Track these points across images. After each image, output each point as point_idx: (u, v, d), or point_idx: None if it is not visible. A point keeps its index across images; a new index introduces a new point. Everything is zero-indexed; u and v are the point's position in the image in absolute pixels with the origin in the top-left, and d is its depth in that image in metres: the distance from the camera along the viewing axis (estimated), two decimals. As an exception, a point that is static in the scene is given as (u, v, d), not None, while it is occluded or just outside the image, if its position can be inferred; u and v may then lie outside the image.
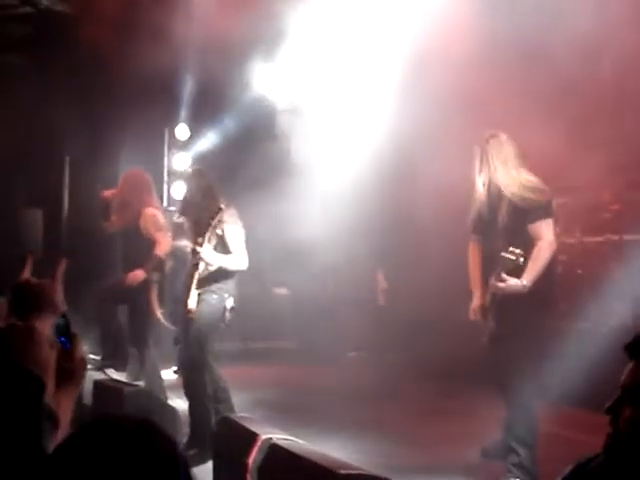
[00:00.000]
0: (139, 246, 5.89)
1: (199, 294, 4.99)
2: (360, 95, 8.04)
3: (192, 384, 4.99)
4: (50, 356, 2.03)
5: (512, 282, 4.00)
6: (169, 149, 10.25)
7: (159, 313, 5.85)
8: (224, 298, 5.06)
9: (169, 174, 10.21)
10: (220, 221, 4.96)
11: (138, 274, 5.75)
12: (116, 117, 8.95)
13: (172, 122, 10.06)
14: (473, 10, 7.02)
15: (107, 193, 6.20)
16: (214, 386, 5.03)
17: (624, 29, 6.28)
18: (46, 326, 2.10)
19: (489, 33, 6.83)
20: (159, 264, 5.91)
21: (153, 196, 6.11)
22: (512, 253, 3.99)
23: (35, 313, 2.12)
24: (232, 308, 5.07)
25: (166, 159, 10.26)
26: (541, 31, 6.93)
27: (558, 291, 4.34)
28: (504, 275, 4.00)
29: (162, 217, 6.01)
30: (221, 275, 5.07)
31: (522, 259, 3.95)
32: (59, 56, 8.79)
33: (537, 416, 4.10)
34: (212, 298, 5.03)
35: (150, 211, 5.91)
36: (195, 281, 4.98)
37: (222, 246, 5.04)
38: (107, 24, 7.45)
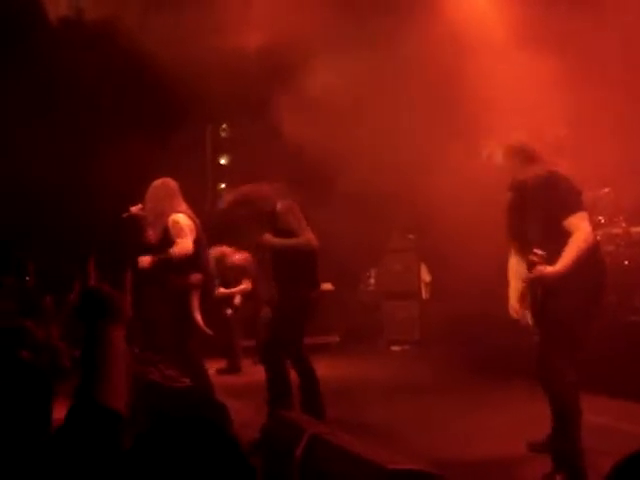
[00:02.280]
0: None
1: None
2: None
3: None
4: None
5: (540, 269, 3.89)
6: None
7: (199, 318, 5.86)
8: None
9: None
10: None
11: (145, 259, 5.76)
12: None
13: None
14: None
15: (134, 209, 6.10)
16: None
17: None
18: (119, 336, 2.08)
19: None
20: (200, 267, 5.91)
21: (180, 201, 6.00)
22: (535, 255, 3.95)
23: (106, 321, 2.09)
24: None
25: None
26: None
27: (605, 283, 4.23)
28: (536, 267, 3.92)
29: (186, 220, 5.89)
30: None
31: (543, 257, 3.90)
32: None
33: (580, 408, 4.06)
34: None
35: (172, 218, 5.84)
36: None
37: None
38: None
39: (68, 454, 1.74)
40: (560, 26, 7.18)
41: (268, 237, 5.26)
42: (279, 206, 5.34)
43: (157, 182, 6.01)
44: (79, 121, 8.66)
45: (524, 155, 4.21)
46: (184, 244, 5.75)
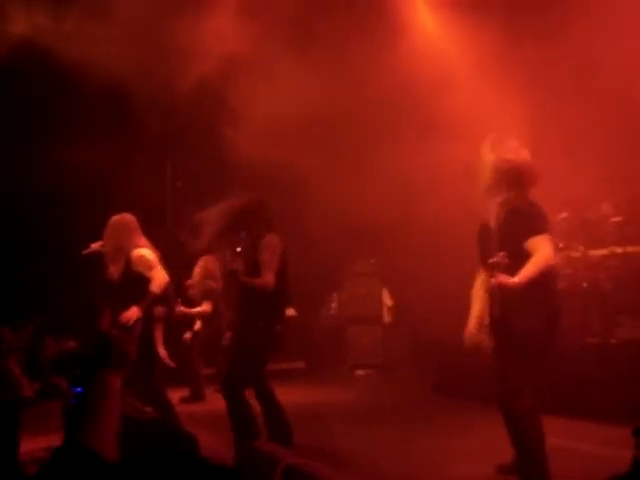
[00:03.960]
0: (140, 288, 5.76)
1: None
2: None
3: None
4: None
5: (502, 277, 3.90)
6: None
7: (161, 350, 5.82)
8: None
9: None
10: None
11: (132, 311, 5.64)
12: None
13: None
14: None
15: (95, 245, 6.05)
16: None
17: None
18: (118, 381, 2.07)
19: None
20: (163, 300, 5.88)
21: (140, 236, 5.96)
22: (496, 256, 4.00)
23: (108, 369, 2.07)
24: None
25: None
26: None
27: (561, 306, 4.30)
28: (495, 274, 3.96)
29: (150, 253, 5.88)
30: None
31: (506, 259, 3.93)
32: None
33: (542, 430, 4.10)
34: None
35: (135, 253, 5.82)
36: None
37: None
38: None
39: None
40: (518, 52, 7.38)
41: (239, 266, 5.24)
42: (265, 238, 5.33)
43: (115, 218, 5.95)
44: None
45: (511, 178, 4.22)
46: (159, 276, 5.74)
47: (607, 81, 7.05)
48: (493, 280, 3.95)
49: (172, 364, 5.97)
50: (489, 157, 4.28)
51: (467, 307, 4.88)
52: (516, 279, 3.92)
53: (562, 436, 5.00)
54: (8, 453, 2.53)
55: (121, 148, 9.22)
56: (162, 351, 5.81)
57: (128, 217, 5.98)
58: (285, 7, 7.74)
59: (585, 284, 6.94)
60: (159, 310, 5.82)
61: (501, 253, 3.93)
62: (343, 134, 8.75)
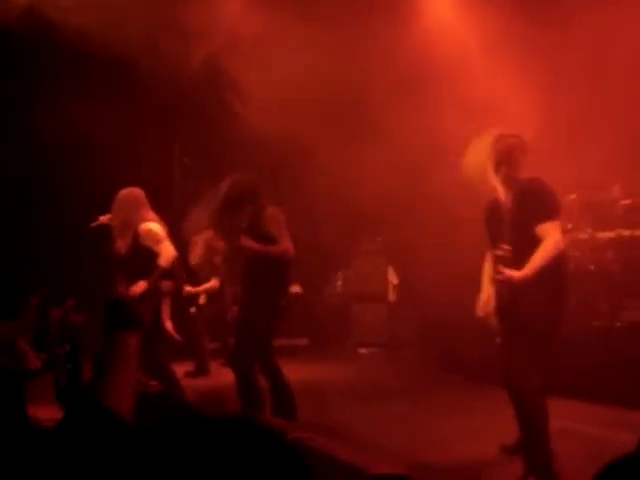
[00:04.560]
0: (148, 262, 5.80)
1: None
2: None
3: None
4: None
5: (508, 273, 3.96)
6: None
7: (168, 324, 5.86)
8: None
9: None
10: None
11: (139, 285, 5.69)
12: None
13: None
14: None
15: (103, 218, 6.07)
16: None
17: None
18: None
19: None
20: (170, 274, 5.89)
21: (148, 210, 5.97)
22: (501, 249, 4.00)
23: (125, 330, 2.18)
24: None
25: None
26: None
27: (569, 289, 4.29)
28: (500, 268, 3.99)
29: (158, 227, 5.90)
30: None
31: (509, 254, 3.95)
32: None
33: (547, 412, 4.12)
34: None
35: (143, 227, 5.83)
36: None
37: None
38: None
39: (65, 451, 1.75)
40: (528, 38, 7.33)
41: (249, 242, 5.23)
42: (267, 211, 5.32)
43: (123, 192, 5.94)
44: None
45: (512, 161, 4.22)
46: (167, 250, 5.75)
47: (620, 63, 7.00)
48: (499, 276, 3.97)
49: (179, 337, 6.02)
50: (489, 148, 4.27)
51: (473, 286, 4.88)
52: (521, 273, 3.94)
53: (566, 418, 5.02)
54: (17, 418, 2.54)
55: (129, 123, 9.20)
56: (169, 325, 5.85)
57: (137, 191, 5.98)
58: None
59: (592, 266, 6.93)
60: (166, 284, 5.85)
61: (506, 246, 3.95)
62: (349, 110, 8.71)
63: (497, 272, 4.03)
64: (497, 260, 4.04)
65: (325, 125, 8.10)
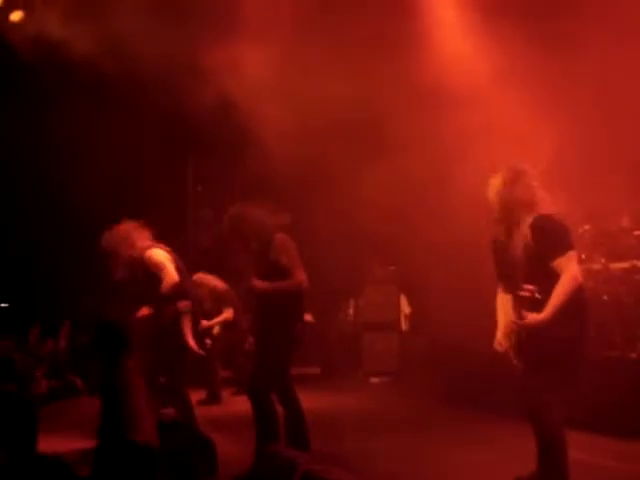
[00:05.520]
0: (152, 288, 5.95)
1: None
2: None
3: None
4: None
5: (530, 317, 4.00)
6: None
7: (192, 342, 5.90)
8: None
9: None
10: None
11: (142, 312, 5.95)
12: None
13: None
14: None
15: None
16: None
17: None
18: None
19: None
20: (183, 294, 5.97)
21: (138, 238, 6.09)
22: (526, 290, 4.01)
23: (123, 353, 2.14)
24: None
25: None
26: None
27: (589, 320, 4.28)
28: (523, 312, 4.02)
29: (162, 253, 6.02)
30: None
31: (537, 294, 3.97)
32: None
33: (566, 446, 4.09)
34: None
35: (146, 254, 5.98)
36: None
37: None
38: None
39: None
40: (539, 66, 7.37)
41: (259, 283, 5.23)
42: (276, 239, 5.29)
43: (106, 234, 6.09)
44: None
45: (529, 199, 4.24)
46: (169, 276, 5.82)
47: (631, 94, 7.03)
48: (521, 322, 3.99)
49: (203, 354, 6.08)
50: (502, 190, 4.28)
51: (487, 316, 4.87)
52: (542, 316, 3.97)
53: (581, 450, 4.96)
54: (28, 445, 2.55)
55: (142, 151, 9.29)
56: (192, 342, 5.90)
57: (117, 229, 6.12)
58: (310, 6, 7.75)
59: (606, 297, 6.89)
60: (183, 304, 5.93)
61: (529, 286, 3.96)
62: (361, 137, 8.76)
63: (519, 317, 4.05)
64: (520, 302, 4.05)
65: (338, 151, 8.15)
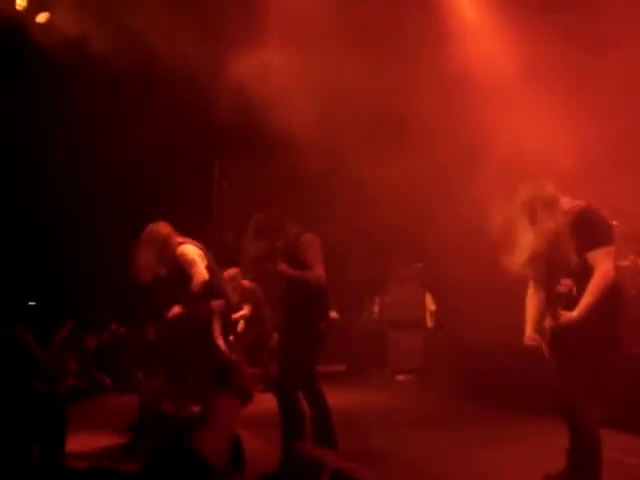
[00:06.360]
0: (184, 285, 5.98)
1: None
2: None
3: None
4: None
5: (564, 316, 3.97)
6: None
7: (222, 343, 5.93)
8: None
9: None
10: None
11: (174, 311, 5.96)
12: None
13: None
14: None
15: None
16: None
17: None
18: None
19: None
20: (218, 293, 6.01)
21: (168, 237, 6.12)
22: (564, 285, 3.98)
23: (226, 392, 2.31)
24: None
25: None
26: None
27: (623, 316, 4.22)
28: (558, 311, 3.99)
29: (193, 249, 6.03)
30: None
31: (574, 292, 3.94)
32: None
33: (601, 443, 4.05)
34: None
35: (179, 251, 5.99)
36: None
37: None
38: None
39: None
40: (563, 61, 7.30)
41: (284, 267, 5.26)
42: (303, 238, 5.34)
43: (150, 227, 6.12)
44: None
45: (542, 201, 4.22)
46: (199, 274, 5.84)
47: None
48: (556, 322, 3.98)
49: (231, 357, 6.10)
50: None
51: (511, 313, 4.84)
52: (575, 314, 3.95)
53: (611, 448, 4.91)
54: (57, 444, 2.61)
55: (169, 148, 9.34)
56: (222, 343, 5.93)
57: (162, 225, 6.15)
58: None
59: (634, 293, 6.80)
60: (217, 303, 5.96)
61: (567, 281, 3.92)
62: (385, 133, 8.73)
63: (554, 315, 4.02)
64: (557, 298, 4.01)
65: (362, 148, 8.13)
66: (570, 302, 4.00)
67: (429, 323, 10.74)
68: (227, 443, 2.07)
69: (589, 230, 4.08)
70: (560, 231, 4.13)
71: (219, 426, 2.07)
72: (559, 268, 4.13)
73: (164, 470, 1.83)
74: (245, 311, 9.12)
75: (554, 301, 4.07)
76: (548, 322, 4.16)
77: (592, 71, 7.17)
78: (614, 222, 7.09)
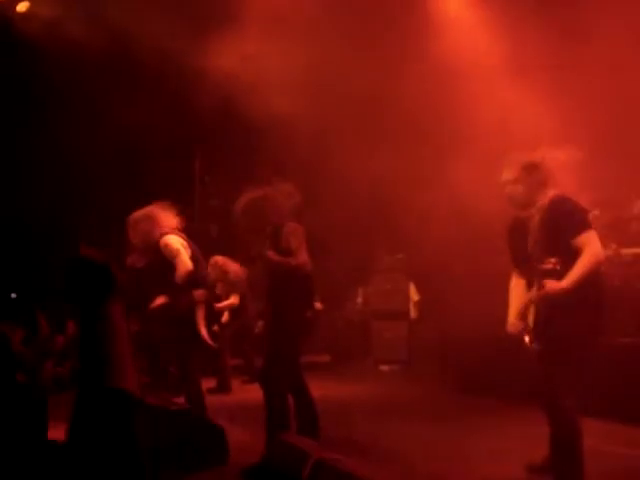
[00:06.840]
0: (167, 275, 5.93)
1: None
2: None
3: None
4: None
5: (550, 284, 3.93)
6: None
7: (205, 332, 5.90)
8: None
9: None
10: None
11: (157, 301, 5.93)
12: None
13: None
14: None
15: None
16: None
17: None
18: None
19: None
20: (200, 283, 5.97)
21: (163, 219, 6.05)
22: (548, 262, 3.97)
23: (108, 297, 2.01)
24: None
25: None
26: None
27: (606, 304, 4.22)
28: (543, 281, 3.97)
29: (176, 239, 5.97)
30: None
31: (558, 267, 3.92)
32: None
33: (581, 431, 4.06)
34: None
35: (162, 241, 5.93)
36: None
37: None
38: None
39: (87, 443, 1.68)
40: (552, 53, 7.32)
41: (270, 253, 5.22)
42: (286, 227, 5.31)
43: (137, 213, 6.04)
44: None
45: (542, 175, 4.22)
46: (183, 264, 5.79)
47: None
48: (541, 291, 3.95)
49: (213, 344, 6.06)
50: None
51: (496, 304, 4.84)
52: (564, 283, 3.92)
53: (592, 437, 4.93)
54: (39, 433, 2.52)
55: (149, 141, 9.27)
56: (204, 332, 5.88)
57: (151, 211, 6.06)
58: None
59: (617, 282, 6.83)
60: (199, 293, 5.92)
61: (553, 259, 3.91)
62: (369, 125, 8.71)
63: (540, 289, 4.00)
64: (544, 274, 3.99)
65: (345, 139, 8.11)
66: (556, 278, 3.96)
67: (413, 313, 10.75)
68: (132, 362, 1.77)
69: (570, 217, 4.07)
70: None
71: (119, 347, 1.75)
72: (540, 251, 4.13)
73: (88, 417, 1.69)
74: (233, 300, 9.05)
75: (539, 278, 4.05)
76: (533, 297, 4.15)
77: (575, 59, 7.19)
78: (596, 212, 7.15)
